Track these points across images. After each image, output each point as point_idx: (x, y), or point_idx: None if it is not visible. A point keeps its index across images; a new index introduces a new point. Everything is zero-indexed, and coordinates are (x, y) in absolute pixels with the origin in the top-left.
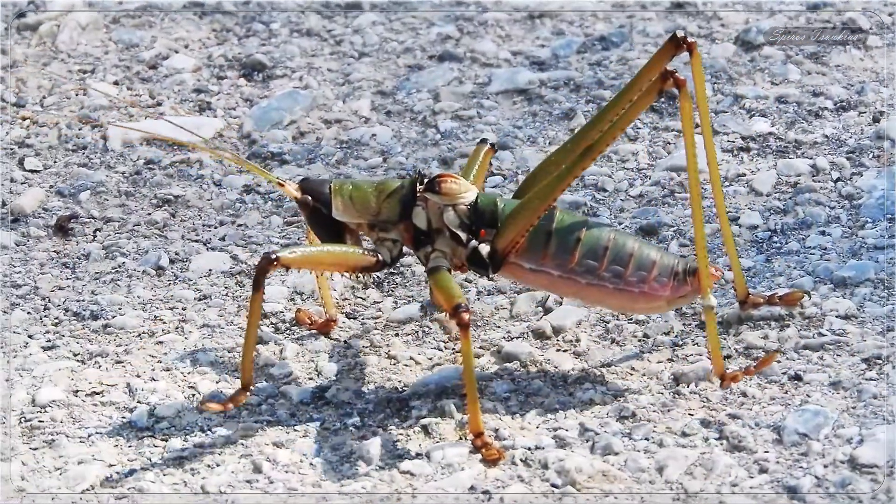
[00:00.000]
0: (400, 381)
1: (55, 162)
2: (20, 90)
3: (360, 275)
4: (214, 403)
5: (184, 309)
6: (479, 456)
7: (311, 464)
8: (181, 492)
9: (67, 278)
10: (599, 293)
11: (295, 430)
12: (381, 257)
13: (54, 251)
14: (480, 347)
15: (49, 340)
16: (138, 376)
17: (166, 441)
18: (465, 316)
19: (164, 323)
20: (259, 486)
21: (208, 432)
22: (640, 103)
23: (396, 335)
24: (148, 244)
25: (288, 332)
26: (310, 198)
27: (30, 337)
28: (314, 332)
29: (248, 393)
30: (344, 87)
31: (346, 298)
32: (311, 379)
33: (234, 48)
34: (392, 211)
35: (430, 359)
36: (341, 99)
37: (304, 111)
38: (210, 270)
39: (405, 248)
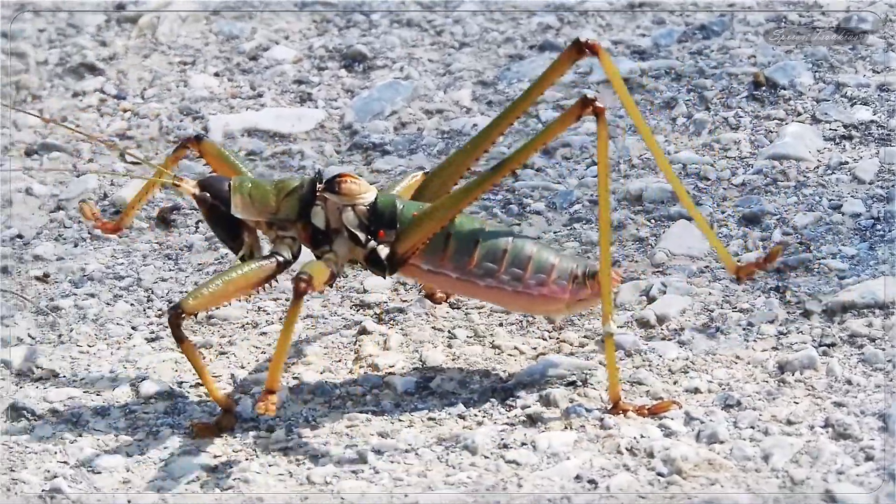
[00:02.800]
0: (504, 371)
1: (157, 153)
2: (121, 82)
3: (268, 285)
4: (202, 426)
5: (287, 300)
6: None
7: (416, 454)
8: (287, 482)
9: (170, 270)
10: (498, 295)
11: (400, 421)
12: (280, 258)
13: (157, 243)
14: (585, 336)
15: (152, 332)
16: (242, 367)
17: (271, 432)
18: (303, 285)
19: (268, 314)
20: (364, 476)
21: (313, 423)
22: (558, 126)
23: (500, 325)
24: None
25: (392, 322)
26: (208, 195)
27: (133, 329)
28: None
29: (233, 416)
30: (445, 78)
31: None
32: (415, 369)
33: (335, 39)
34: (291, 209)
35: (535, 348)
36: (442, 89)
37: (406, 102)
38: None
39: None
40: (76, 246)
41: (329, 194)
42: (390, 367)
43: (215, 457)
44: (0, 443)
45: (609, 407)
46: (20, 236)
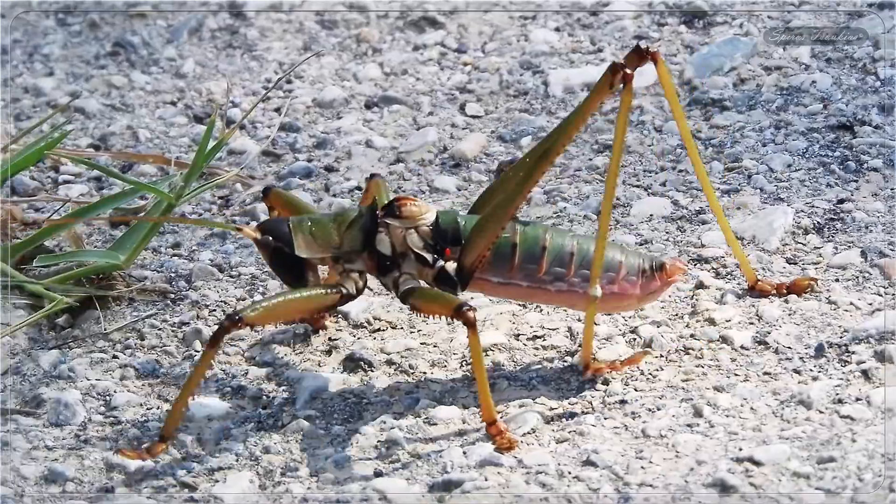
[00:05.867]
0: (840, 326)
1: (496, 107)
2: (461, 36)
3: (325, 314)
4: (130, 452)
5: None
6: None
7: (751, 408)
8: (622, 435)
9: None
10: (570, 298)
11: (735, 375)
12: (345, 291)
13: None
14: None
15: None
16: (579, 320)
17: (607, 385)
18: (470, 314)
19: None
20: (699, 430)
21: (649, 377)
22: (593, 100)
23: (836, 280)
24: (589, 189)
25: (728, 277)
26: (270, 238)
27: None
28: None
29: (166, 445)
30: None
31: (785, 244)
32: (751, 323)
33: None
34: (355, 241)
35: (871, 304)
36: (781, 46)
37: (745, 58)
38: (651, 215)
39: (370, 278)
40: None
41: (391, 219)
42: (727, 321)
43: (551, 409)
44: (337, 393)
45: (581, 368)
46: (359, 188)
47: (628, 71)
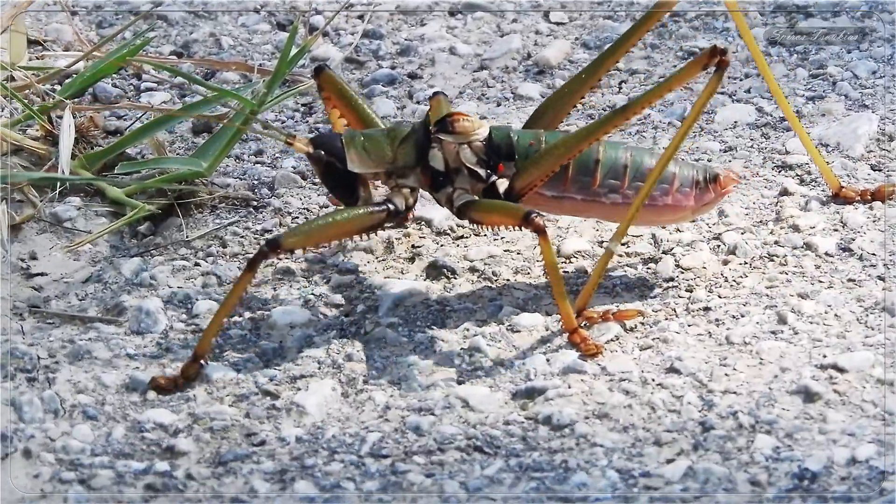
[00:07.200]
0: None
1: (580, 14)
2: None
3: (371, 233)
4: (164, 379)
5: (709, 160)
6: None
7: (835, 315)
8: (705, 342)
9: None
10: (625, 210)
11: (820, 282)
12: (392, 207)
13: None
14: None
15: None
16: (664, 227)
17: (690, 292)
18: (539, 220)
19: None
20: (783, 336)
21: (733, 283)
22: (684, 74)
23: None
24: (672, 96)
25: (813, 184)
26: (323, 152)
27: None
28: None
29: (199, 364)
30: None
31: (870, 150)
32: (835, 230)
33: None
34: (408, 156)
35: None
36: None
37: None
38: (735, 122)
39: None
40: (499, 105)
41: (444, 135)
42: (811, 227)
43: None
44: (419, 302)
45: (574, 315)
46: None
47: (725, 57)
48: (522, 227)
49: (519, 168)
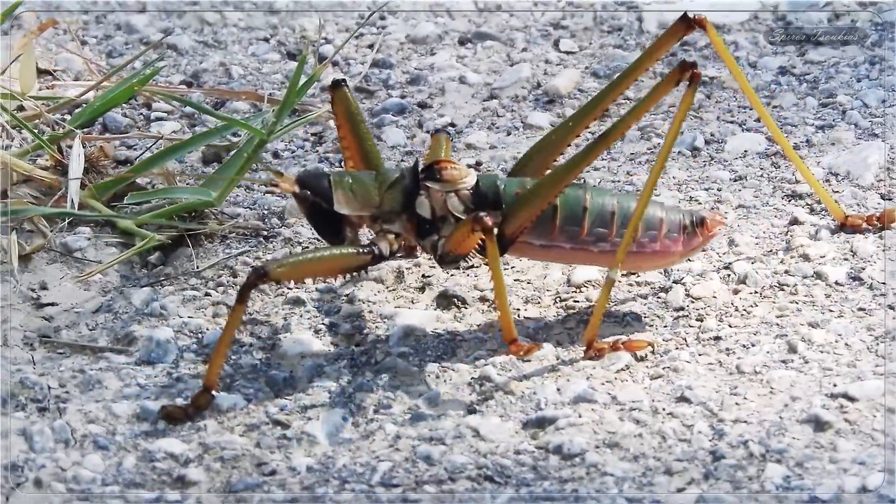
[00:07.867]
0: None
1: (590, 43)
2: None
3: (354, 274)
4: (175, 409)
5: (719, 189)
6: None
7: (846, 344)
8: (716, 371)
9: (602, 159)
10: (613, 258)
11: (830, 311)
12: (377, 251)
13: (589, 132)
14: None
15: None
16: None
17: (701, 321)
18: (487, 220)
19: (700, 203)
20: (794, 365)
21: (743, 313)
22: (657, 94)
23: None
24: (684, 125)
25: (822, 213)
26: (308, 192)
27: None
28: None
29: (210, 394)
30: None
31: (880, 179)
32: (845, 259)
33: None
34: (395, 202)
35: None
36: None
37: None
38: (745, 151)
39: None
40: (509, 135)
41: (431, 182)
42: (821, 257)
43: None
44: (430, 331)
45: (583, 347)
46: (453, 125)
47: (697, 70)
48: (474, 230)
49: (506, 215)
